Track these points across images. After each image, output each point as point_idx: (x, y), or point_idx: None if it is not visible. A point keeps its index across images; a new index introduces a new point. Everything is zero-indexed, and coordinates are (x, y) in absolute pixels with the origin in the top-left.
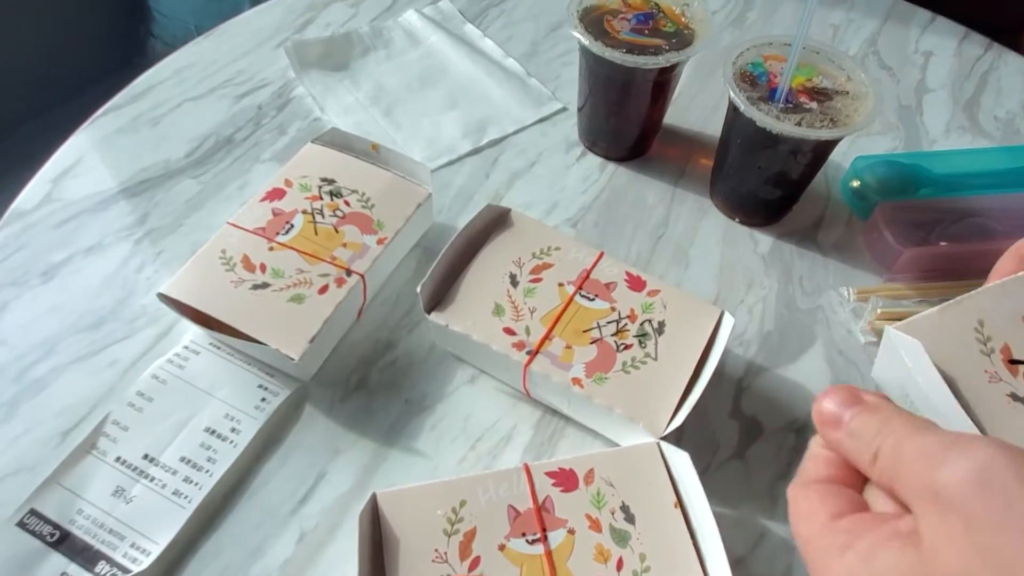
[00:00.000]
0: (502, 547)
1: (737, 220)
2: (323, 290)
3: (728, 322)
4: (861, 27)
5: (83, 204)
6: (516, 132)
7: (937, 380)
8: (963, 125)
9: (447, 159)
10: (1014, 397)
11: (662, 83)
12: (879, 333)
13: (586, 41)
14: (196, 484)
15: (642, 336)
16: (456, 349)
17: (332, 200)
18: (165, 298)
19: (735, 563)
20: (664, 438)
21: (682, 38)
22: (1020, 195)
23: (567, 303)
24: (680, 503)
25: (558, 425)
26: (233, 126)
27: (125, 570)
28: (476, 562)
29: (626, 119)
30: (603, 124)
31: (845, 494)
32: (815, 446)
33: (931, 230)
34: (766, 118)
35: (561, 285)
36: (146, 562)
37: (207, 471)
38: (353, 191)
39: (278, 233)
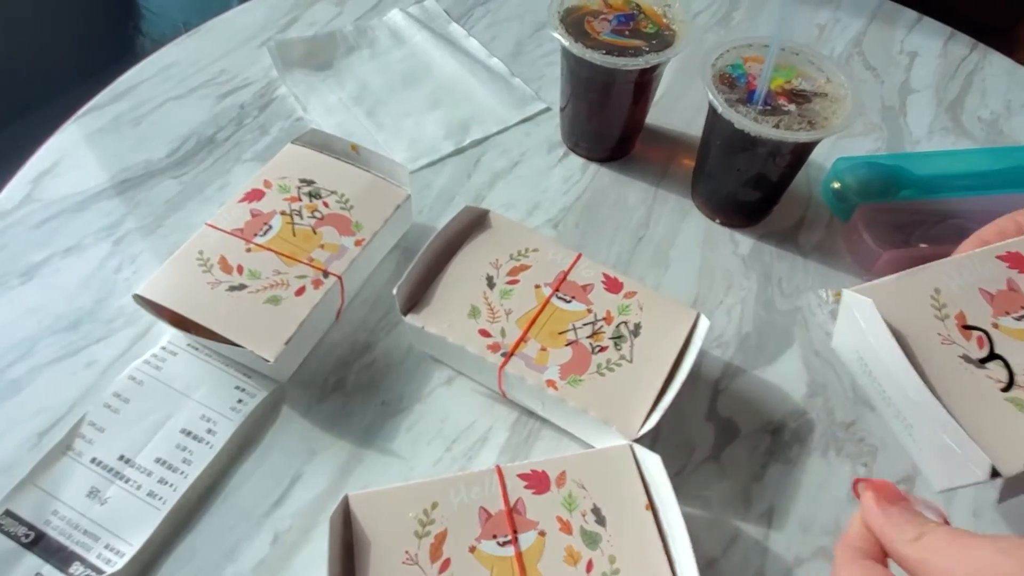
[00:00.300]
0: (473, 549)
1: (718, 221)
2: (300, 292)
3: (704, 324)
4: (847, 27)
5: (63, 204)
6: (499, 132)
7: (887, 338)
8: (946, 126)
9: (429, 159)
10: (966, 359)
11: (643, 84)
12: None
13: (566, 42)
14: (171, 485)
15: (617, 338)
16: (433, 351)
17: (311, 201)
18: (141, 299)
19: (708, 564)
20: (639, 440)
21: (663, 39)
22: (1001, 197)
23: (543, 305)
24: (651, 505)
25: (534, 427)
26: (215, 126)
27: (99, 571)
28: (447, 564)
29: (607, 120)
30: (585, 125)
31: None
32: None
33: (911, 232)
34: (744, 120)
35: (538, 287)
36: (120, 563)
37: (182, 472)
38: (332, 192)
39: (256, 234)
